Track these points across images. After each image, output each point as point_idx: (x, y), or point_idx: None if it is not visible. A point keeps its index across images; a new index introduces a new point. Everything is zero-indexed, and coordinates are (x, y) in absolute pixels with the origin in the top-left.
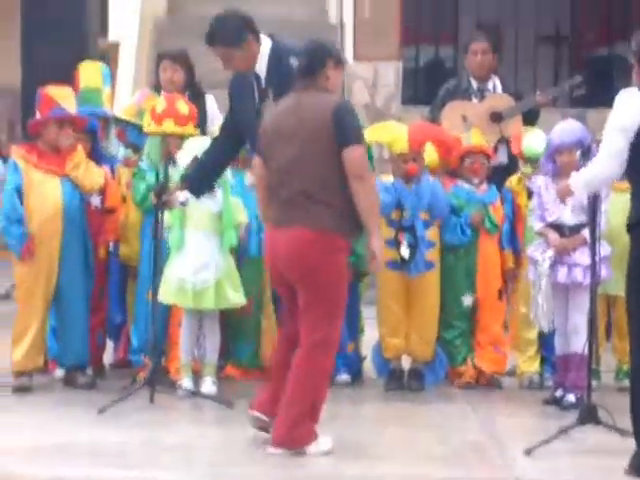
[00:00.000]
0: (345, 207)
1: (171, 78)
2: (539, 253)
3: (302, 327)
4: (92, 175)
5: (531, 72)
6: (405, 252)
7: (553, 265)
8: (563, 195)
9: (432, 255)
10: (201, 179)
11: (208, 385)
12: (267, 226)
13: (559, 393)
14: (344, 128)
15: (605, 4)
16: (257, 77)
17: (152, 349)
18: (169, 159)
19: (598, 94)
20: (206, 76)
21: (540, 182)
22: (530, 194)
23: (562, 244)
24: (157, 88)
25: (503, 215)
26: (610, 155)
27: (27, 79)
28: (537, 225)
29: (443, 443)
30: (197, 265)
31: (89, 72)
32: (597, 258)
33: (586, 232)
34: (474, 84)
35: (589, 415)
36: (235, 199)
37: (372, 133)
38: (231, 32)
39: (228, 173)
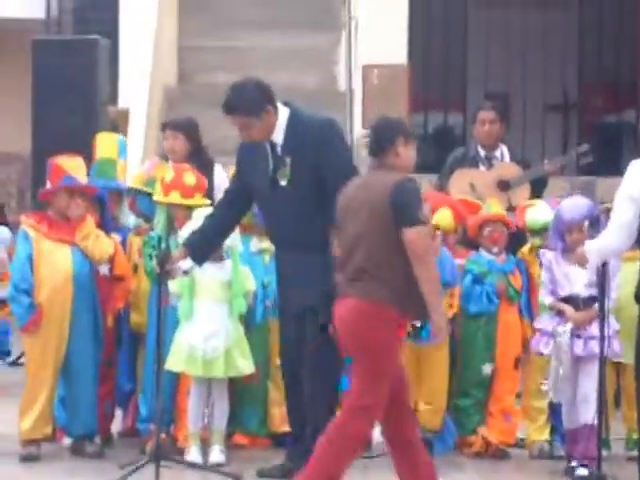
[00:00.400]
0: (404, 285)
1: (172, 147)
2: (560, 327)
3: (350, 392)
4: (102, 245)
5: (539, 140)
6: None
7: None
8: (581, 261)
9: None
10: (203, 246)
11: (216, 454)
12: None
13: (574, 464)
14: (402, 208)
15: (613, 72)
16: (272, 144)
17: (157, 421)
18: (172, 229)
19: (607, 162)
20: (216, 144)
21: (549, 257)
22: (541, 264)
23: (580, 317)
24: (165, 157)
25: (522, 284)
26: (620, 226)
27: (37, 146)
28: (547, 299)
29: None
30: (207, 333)
31: (105, 143)
32: (610, 331)
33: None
34: (482, 152)
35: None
36: (244, 267)
37: None
38: (251, 102)
39: (237, 241)
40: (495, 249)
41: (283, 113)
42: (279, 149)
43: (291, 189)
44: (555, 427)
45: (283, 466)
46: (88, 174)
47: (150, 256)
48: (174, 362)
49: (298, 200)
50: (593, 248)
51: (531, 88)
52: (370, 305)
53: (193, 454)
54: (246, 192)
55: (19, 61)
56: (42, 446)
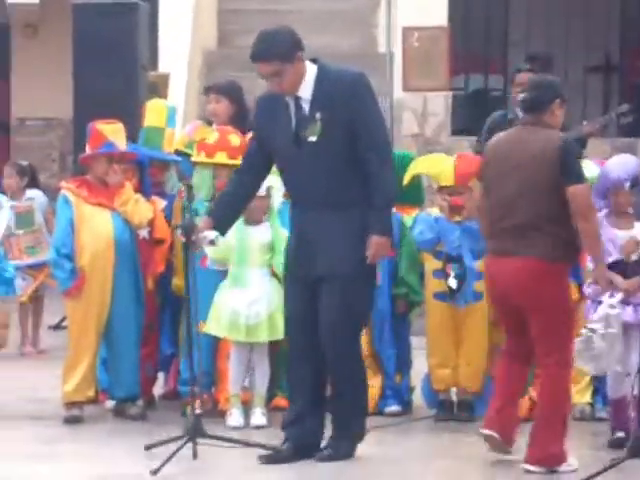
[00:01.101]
0: (569, 237)
1: (215, 110)
2: (607, 297)
3: (540, 350)
4: (141, 210)
5: (580, 102)
6: (452, 283)
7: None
8: (629, 252)
9: (481, 286)
10: (227, 215)
11: (258, 416)
12: (487, 257)
13: (619, 435)
14: (569, 166)
15: None
16: (297, 99)
17: (191, 394)
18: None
19: None
20: None
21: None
22: None
23: (631, 285)
24: (208, 120)
25: None
26: None
27: (78, 111)
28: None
29: (493, 474)
30: (250, 298)
31: (154, 111)
32: None
33: None
34: (520, 114)
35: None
36: (281, 227)
37: (419, 165)
38: (284, 47)
39: (276, 201)
40: None
41: (311, 68)
42: (306, 104)
43: (322, 145)
44: (597, 389)
45: (285, 450)
46: (131, 139)
47: (176, 226)
48: (215, 327)
49: (330, 157)
50: None
51: (573, 50)
52: (549, 265)
53: (234, 417)
54: (266, 152)
55: (59, 26)
56: (85, 408)
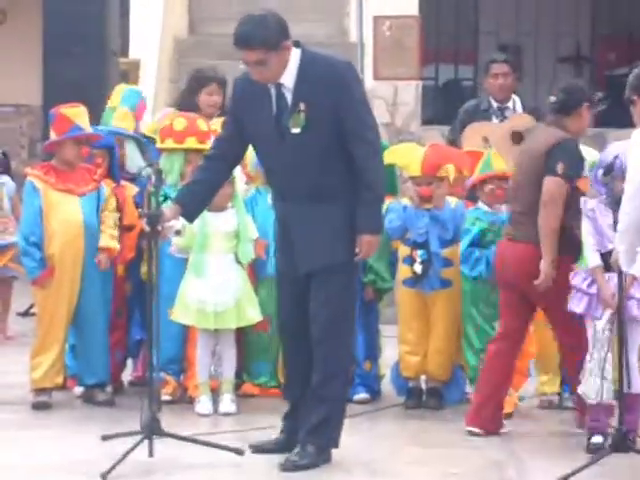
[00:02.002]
0: (561, 230)
1: (217, 102)
2: (598, 316)
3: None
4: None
5: (549, 92)
6: (418, 268)
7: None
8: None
9: (449, 273)
10: (196, 202)
11: (227, 403)
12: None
13: (597, 440)
14: (552, 158)
15: (626, 24)
16: (279, 87)
17: (149, 389)
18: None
19: (618, 114)
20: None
21: (592, 205)
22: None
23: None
24: (191, 107)
25: None
26: None
27: (48, 97)
28: (594, 258)
29: (461, 462)
30: (217, 286)
31: (114, 93)
32: None
33: None
34: (494, 104)
35: (621, 442)
36: (247, 215)
37: (389, 155)
38: (270, 33)
39: (240, 189)
40: (497, 205)
41: (294, 54)
42: (289, 93)
43: (306, 137)
44: (564, 379)
45: (277, 440)
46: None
47: (139, 215)
48: (183, 315)
49: (314, 149)
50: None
51: (543, 40)
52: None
53: (203, 404)
54: (240, 139)
55: (29, 12)
56: (53, 394)
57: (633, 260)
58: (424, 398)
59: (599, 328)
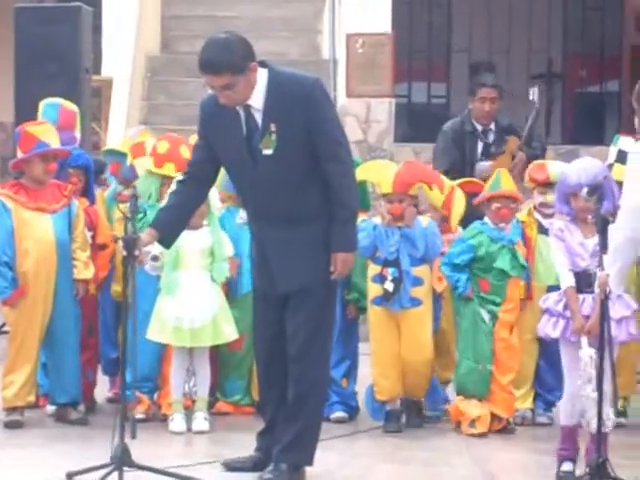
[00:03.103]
0: None
1: None
2: (582, 352)
3: None
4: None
5: (523, 110)
6: (389, 285)
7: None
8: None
9: (419, 292)
10: (173, 227)
11: (200, 421)
12: None
13: (568, 467)
14: None
15: (597, 42)
16: (247, 107)
17: (121, 416)
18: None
19: (590, 131)
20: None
21: (560, 226)
22: (539, 227)
23: (592, 328)
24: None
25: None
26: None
27: (20, 115)
28: (567, 279)
29: (435, 479)
30: (192, 303)
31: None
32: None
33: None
34: (478, 127)
35: (601, 470)
36: (222, 233)
37: (363, 171)
38: (235, 58)
39: (215, 207)
40: (502, 225)
41: (261, 74)
42: (258, 114)
43: (279, 158)
44: (538, 394)
45: (252, 457)
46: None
47: (116, 239)
48: (159, 333)
49: (288, 169)
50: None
51: (515, 58)
52: None
53: (177, 422)
54: (212, 161)
55: (1, 28)
56: (25, 413)
57: (622, 282)
58: (404, 418)
59: (582, 354)
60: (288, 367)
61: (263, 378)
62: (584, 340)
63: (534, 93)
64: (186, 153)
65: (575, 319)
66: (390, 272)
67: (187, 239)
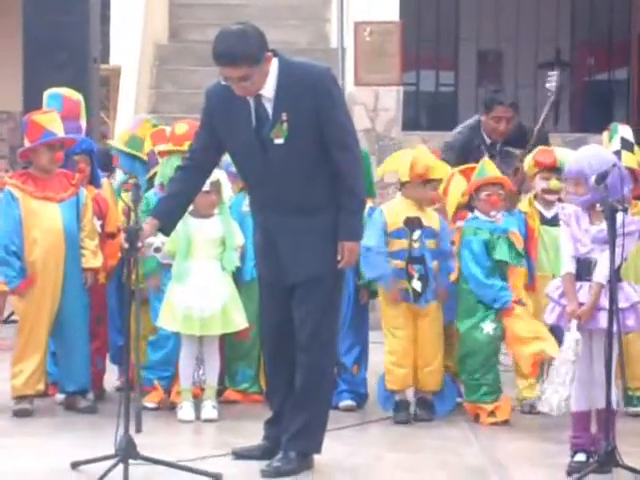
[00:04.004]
0: None
1: None
2: (569, 334)
3: None
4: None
5: (532, 98)
6: (417, 285)
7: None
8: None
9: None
10: (173, 215)
11: (208, 410)
12: None
13: (581, 458)
14: None
15: (606, 30)
16: (257, 96)
17: (125, 409)
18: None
19: (598, 119)
20: None
21: (570, 212)
22: (541, 217)
23: (584, 312)
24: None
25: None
26: None
27: (28, 104)
28: (568, 265)
29: (444, 468)
30: (203, 292)
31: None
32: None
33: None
34: (487, 140)
35: (609, 458)
36: (233, 222)
37: (391, 162)
38: (252, 49)
39: (226, 196)
40: (493, 213)
41: (272, 63)
42: (269, 103)
43: (290, 147)
44: None
45: (260, 446)
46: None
47: (119, 229)
48: (169, 322)
49: (298, 159)
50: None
51: (523, 46)
52: None
53: (185, 410)
54: (215, 149)
55: (10, 18)
56: (34, 401)
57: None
58: (413, 409)
59: (568, 336)
60: (296, 356)
61: (270, 366)
62: (573, 323)
63: (552, 79)
64: None
65: (569, 302)
66: (416, 269)
67: (199, 228)
